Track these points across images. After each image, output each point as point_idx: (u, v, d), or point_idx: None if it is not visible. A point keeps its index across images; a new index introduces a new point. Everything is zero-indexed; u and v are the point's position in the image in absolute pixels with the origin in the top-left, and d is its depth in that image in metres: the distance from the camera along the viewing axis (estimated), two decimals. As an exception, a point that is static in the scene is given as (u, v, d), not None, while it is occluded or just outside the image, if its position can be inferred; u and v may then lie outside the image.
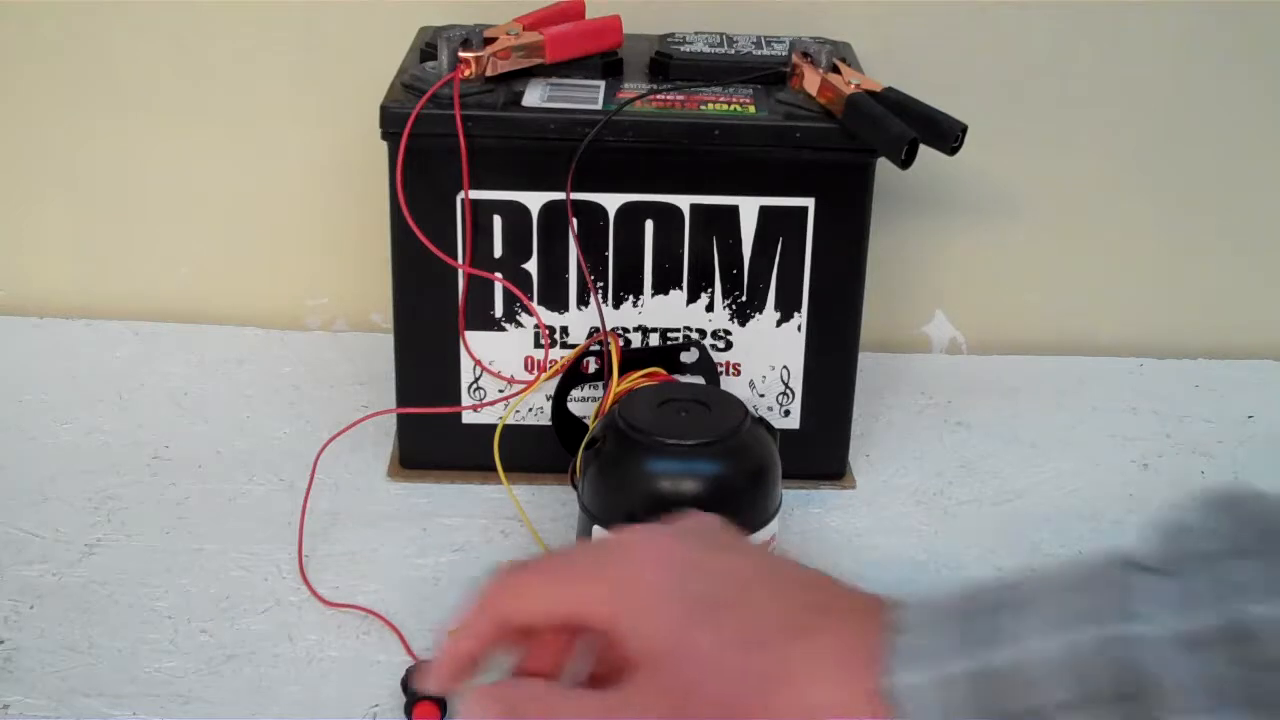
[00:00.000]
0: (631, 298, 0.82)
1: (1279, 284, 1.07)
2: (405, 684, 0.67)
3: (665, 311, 0.82)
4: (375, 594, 0.75)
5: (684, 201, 0.80)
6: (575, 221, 0.80)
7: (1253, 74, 1.01)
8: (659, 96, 0.80)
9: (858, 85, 0.78)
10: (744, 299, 0.82)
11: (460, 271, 0.80)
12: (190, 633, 0.71)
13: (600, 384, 0.83)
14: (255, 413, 0.93)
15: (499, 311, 0.82)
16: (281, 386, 0.96)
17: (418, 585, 0.76)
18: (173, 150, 1.03)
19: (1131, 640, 0.42)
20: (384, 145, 0.78)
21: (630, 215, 0.80)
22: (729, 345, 0.83)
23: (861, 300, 0.83)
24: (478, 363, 0.83)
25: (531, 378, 0.83)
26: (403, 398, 0.84)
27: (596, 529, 0.72)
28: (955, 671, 0.45)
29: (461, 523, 0.81)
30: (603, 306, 0.82)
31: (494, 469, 0.79)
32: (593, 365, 0.83)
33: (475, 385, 0.84)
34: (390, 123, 0.77)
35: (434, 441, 0.85)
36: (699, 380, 0.82)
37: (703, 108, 0.79)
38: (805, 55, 0.81)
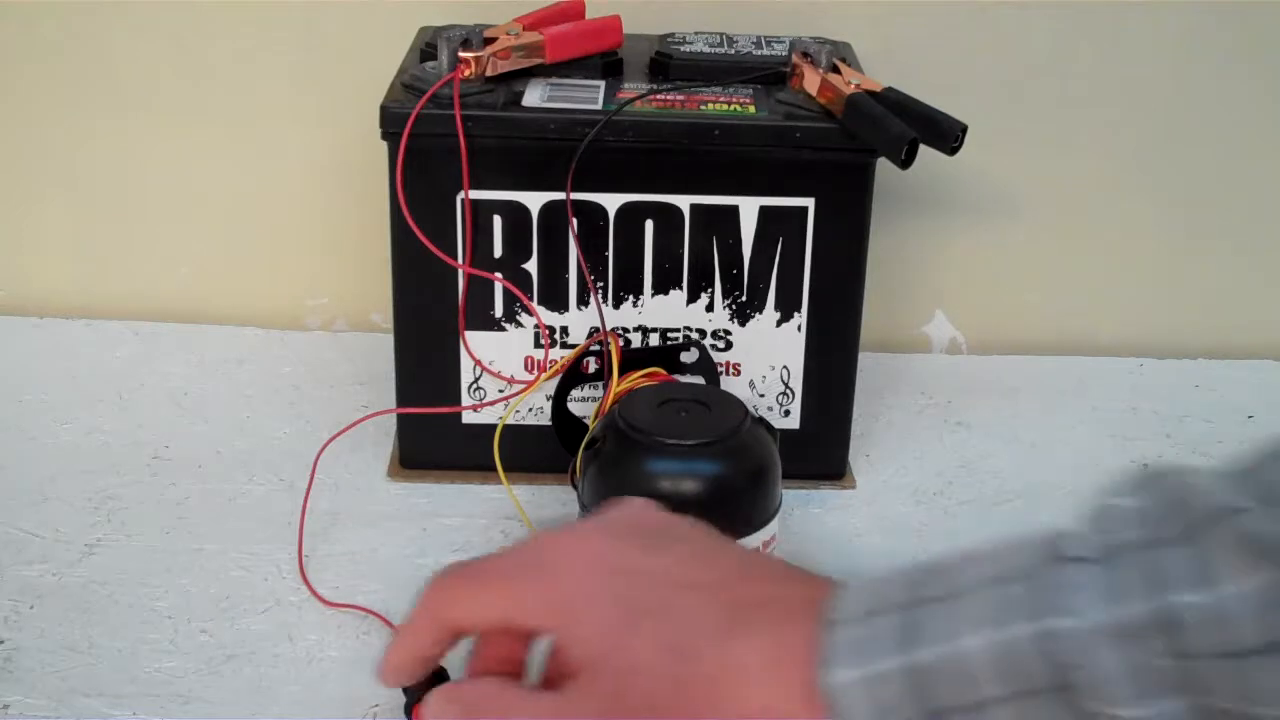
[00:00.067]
0: (631, 298, 0.82)
1: (1279, 284, 1.07)
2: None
3: (665, 311, 0.82)
4: (375, 594, 0.75)
5: (684, 201, 0.80)
6: (575, 221, 0.80)
7: (1253, 74, 1.01)
8: (659, 96, 0.80)
9: (858, 85, 0.78)
10: (744, 299, 0.82)
11: (460, 271, 0.80)
12: (190, 633, 0.71)
13: (600, 384, 0.83)
14: (255, 413, 0.93)
15: (499, 311, 0.82)
16: (281, 386, 0.96)
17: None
18: (173, 150, 1.03)
19: (1061, 634, 0.43)
20: (384, 145, 0.78)
21: (630, 215, 0.80)
22: (729, 345, 0.83)
23: (861, 300, 0.83)
24: (478, 363, 0.83)
25: (531, 378, 0.83)
26: (403, 398, 0.84)
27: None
28: (888, 668, 0.45)
29: (461, 523, 0.81)
30: (603, 306, 0.82)
31: (494, 469, 0.79)
32: (593, 365, 0.83)
33: (475, 385, 0.84)
34: (390, 123, 0.77)
35: (434, 441, 0.85)
36: (699, 380, 0.82)
37: (703, 108, 0.79)
38: (805, 55, 0.81)
